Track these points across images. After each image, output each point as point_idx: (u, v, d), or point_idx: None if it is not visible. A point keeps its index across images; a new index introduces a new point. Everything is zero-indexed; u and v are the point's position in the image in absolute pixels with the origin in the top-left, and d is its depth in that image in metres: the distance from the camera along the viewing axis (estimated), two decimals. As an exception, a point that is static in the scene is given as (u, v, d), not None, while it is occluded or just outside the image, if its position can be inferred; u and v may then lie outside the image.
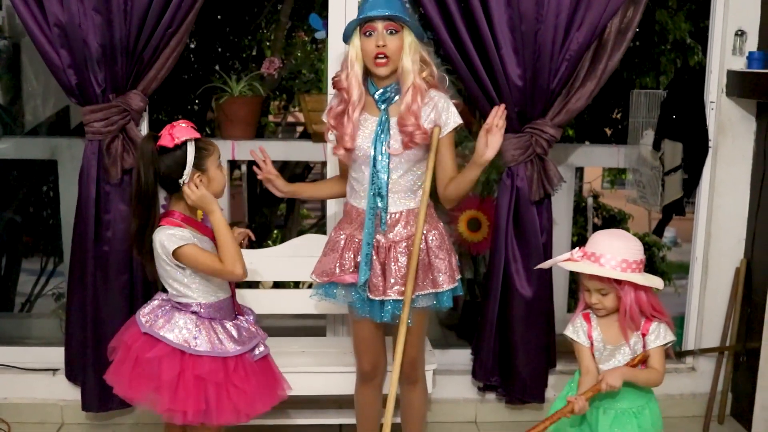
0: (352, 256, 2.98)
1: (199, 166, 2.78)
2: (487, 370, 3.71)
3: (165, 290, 2.91)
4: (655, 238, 7.12)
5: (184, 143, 2.75)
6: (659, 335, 2.74)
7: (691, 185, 3.88)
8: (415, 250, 2.90)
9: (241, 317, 2.97)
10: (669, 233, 12.30)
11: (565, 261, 2.75)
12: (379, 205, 2.92)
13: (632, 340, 2.74)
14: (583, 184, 9.05)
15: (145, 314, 2.85)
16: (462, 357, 3.89)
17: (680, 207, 3.94)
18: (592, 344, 2.78)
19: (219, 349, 2.79)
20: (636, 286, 2.66)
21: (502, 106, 2.87)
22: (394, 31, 2.82)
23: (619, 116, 7.03)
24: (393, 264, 2.92)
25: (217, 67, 5.88)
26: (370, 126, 2.94)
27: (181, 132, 2.77)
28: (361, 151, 2.94)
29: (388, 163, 2.90)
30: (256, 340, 2.91)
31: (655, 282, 2.70)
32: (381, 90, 2.92)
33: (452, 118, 2.93)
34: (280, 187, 3.11)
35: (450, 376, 3.85)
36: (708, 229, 3.89)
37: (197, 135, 2.79)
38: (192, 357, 2.76)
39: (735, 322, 3.86)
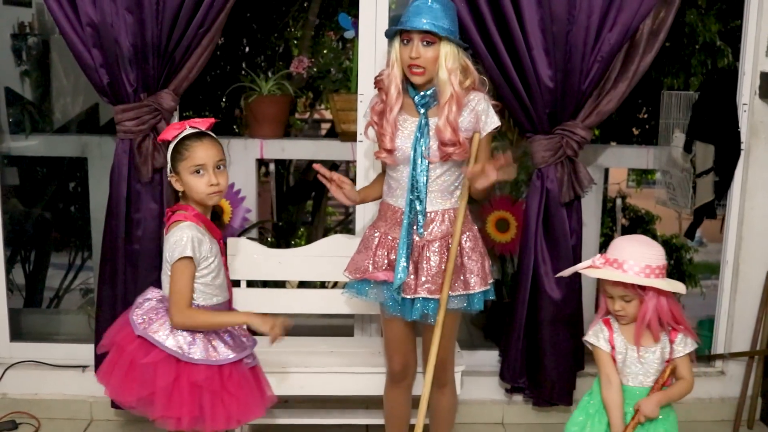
0: (386, 253, 2.98)
1: (173, 168, 2.79)
2: (515, 371, 3.70)
3: (160, 286, 2.90)
4: (683, 240, 7.06)
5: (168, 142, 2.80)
6: (686, 343, 2.73)
7: (722, 188, 3.85)
8: (453, 250, 2.89)
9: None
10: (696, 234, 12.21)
11: (586, 268, 2.72)
12: (418, 207, 2.92)
13: (659, 346, 2.72)
14: (609, 185, 8.99)
15: (139, 315, 2.81)
16: (489, 358, 3.89)
17: (711, 210, 3.91)
18: (613, 350, 2.76)
19: (213, 357, 2.76)
20: (659, 292, 2.64)
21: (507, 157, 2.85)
22: (429, 43, 2.81)
23: (646, 117, 6.98)
24: (425, 263, 2.92)
25: (243, 65, 5.89)
26: (410, 127, 2.93)
27: (167, 131, 2.82)
28: (401, 152, 2.93)
29: (428, 165, 2.90)
30: (249, 350, 2.88)
31: (678, 287, 2.67)
32: (420, 94, 2.90)
33: (490, 121, 2.93)
34: (350, 195, 3.04)
35: (477, 377, 3.85)
36: (739, 232, 3.86)
37: (170, 138, 2.78)
38: (187, 364, 2.74)
39: (766, 326, 3.83)
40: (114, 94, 3.45)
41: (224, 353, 2.78)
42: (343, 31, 4.17)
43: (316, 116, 9.47)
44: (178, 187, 2.78)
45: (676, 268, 7.24)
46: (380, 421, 3.35)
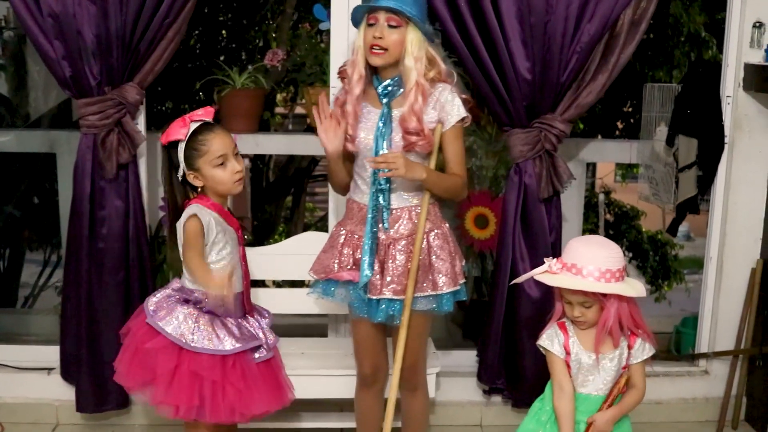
0: (351, 252, 2.89)
1: (190, 166, 2.74)
2: (493, 372, 3.61)
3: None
4: (668, 236, 6.99)
5: (176, 143, 2.73)
6: (644, 349, 2.63)
7: (705, 183, 3.77)
8: (417, 249, 2.80)
9: (250, 317, 2.90)
10: (682, 228, 12.18)
11: (543, 273, 2.60)
12: (381, 202, 2.82)
13: (617, 352, 2.60)
14: (596, 179, 8.94)
15: (153, 303, 2.81)
16: (467, 358, 3.80)
17: (694, 205, 3.84)
18: (568, 356, 2.63)
19: (217, 346, 2.72)
20: (620, 297, 2.52)
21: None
22: (394, 26, 2.72)
23: (631, 110, 6.92)
24: (391, 262, 2.83)
25: (222, 59, 5.78)
26: (373, 119, 2.84)
27: (172, 132, 2.75)
28: (363, 144, 2.84)
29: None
30: (257, 342, 2.83)
31: (639, 290, 2.55)
32: (383, 84, 2.81)
33: (455, 112, 2.82)
34: (330, 147, 2.86)
35: (455, 378, 3.77)
36: (723, 228, 3.78)
37: (182, 136, 2.72)
38: (189, 352, 2.71)
39: (750, 324, 3.76)
40: (77, 87, 3.35)
41: (228, 343, 2.74)
42: (319, 22, 4.08)
43: (301, 111, 9.38)
44: (198, 183, 2.74)
45: (662, 264, 7.18)
46: (355, 425, 3.25)
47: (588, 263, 2.50)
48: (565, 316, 2.65)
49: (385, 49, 2.73)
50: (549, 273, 2.58)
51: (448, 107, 2.81)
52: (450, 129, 2.83)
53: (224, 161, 2.73)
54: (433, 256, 2.84)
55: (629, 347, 2.62)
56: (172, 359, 2.72)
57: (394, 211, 2.84)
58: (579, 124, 6.90)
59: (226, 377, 2.73)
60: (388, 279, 2.81)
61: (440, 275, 2.83)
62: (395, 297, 2.81)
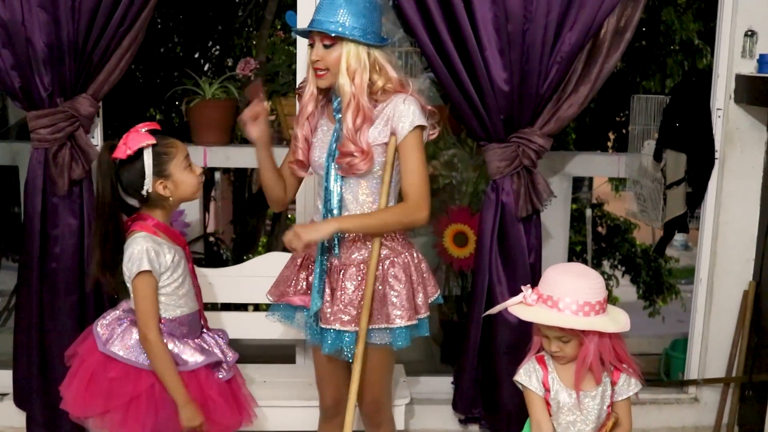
0: (306, 276, 2.73)
1: (160, 173, 2.61)
2: (469, 400, 3.47)
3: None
4: (658, 256, 6.84)
5: (140, 151, 2.57)
6: (629, 385, 2.45)
7: (695, 200, 3.65)
8: (369, 278, 2.60)
9: (206, 335, 2.80)
10: (680, 237, 12.04)
11: (517, 304, 2.41)
12: None
13: (600, 389, 2.42)
14: (593, 190, 8.82)
15: (103, 326, 2.72)
16: (443, 384, 3.65)
17: (683, 223, 3.70)
18: (548, 393, 2.45)
19: (182, 365, 2.65)
20: (601, 332, 2.34)
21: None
22: (329, 45, 2.55)
23: (623, 120, 6.78)
24: (339, 291, 2.64)
25: (189, 71, 5.66)
26: (328, 137, 2.65)
27: (134, 140, 2.59)
28: (316, 162, 2.67)
29: (342, 177, 2.62)
30: (217, 357, 2.73)
31: (622, 324, 2.36)
32: (337, 99, 2.63)
33: (408, 121, 2.59)
34: (255, 133, 2.67)
35: (430, 405, 3.62)
36: (713, 248, 3.64)
37: (152, 140, 2.59)
38: (150, 373, 2.63)
39: (742, 350, 3.63)
40: (27, 98, 3.21)
41: (191, 359, 2.67)
42: (291, 30, 3.93)
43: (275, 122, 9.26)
44: (167, 193, 2.63)
45: (655, 279, 7.03)
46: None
47: (565, 295, 2.32)
48: (543, 349, 2.47)
49: (327, 69, 2.57)
50: (524, 304, 2.40)
51: (400, 117, 2.59)
52: (403, 140, 2.61)
53: (190, 163, 2.67)
54: (387, 287, 2.64)
55: (613, 383, 2.44)
56: (131, 385, 2.63)
57: (347, 236, 2.65)
58: (571, 135, 6.77)
59: (203, 392, 2.67)
60: (335, 309, 2.64)
61: (394, 308, 2.63)
62: (342, 328, 2.62)
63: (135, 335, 2.65)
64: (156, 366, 2.59)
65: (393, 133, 2.60)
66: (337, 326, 2.62)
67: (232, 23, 6.46)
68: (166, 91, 5.17)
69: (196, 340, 2.73)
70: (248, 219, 6.57)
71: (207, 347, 2.74)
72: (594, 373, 2.39)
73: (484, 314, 3.01)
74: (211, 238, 4.34)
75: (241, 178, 7.03)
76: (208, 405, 2.66)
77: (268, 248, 7.10)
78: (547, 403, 2.45)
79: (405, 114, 2.58)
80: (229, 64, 6.81)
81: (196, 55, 6.78)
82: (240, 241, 6.47)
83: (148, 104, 6.39)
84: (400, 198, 2.67)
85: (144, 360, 2.62)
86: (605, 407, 2.43)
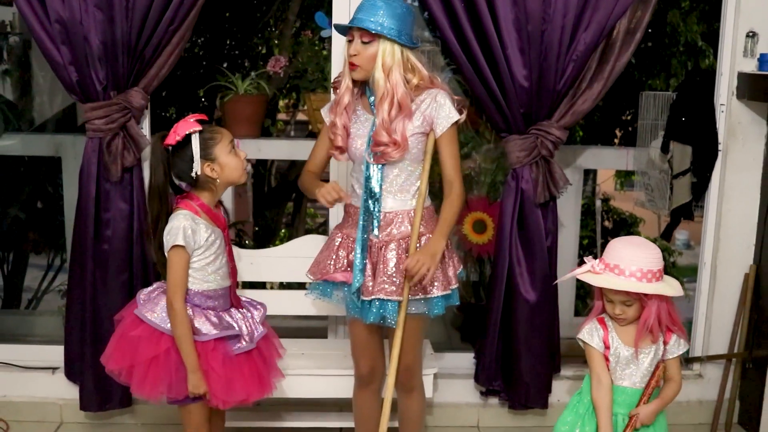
0: (345, 254, 2.95)
1: (207, 156, 2.81)
2: (490, 374, 3.67)
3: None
4: (664, 243, 7.02)
5: (188, 137, 2.79)
6: (679, 345, 2.75)
7: (700, 189, 3.81)
8: (411, 252, 2.84)
9: (234, 309, 2.97)
10: (682, 236, 12.20)
11: (585, 273, 2.70)
12: (372, 208, 2.89)
13: (654, 347, 2.72)
14: (596, 186, 8.97)
15: (144, 293, 2.94)
16: (465, 361, 3.85)
17: (689, 211, 3.88)
18: (607, 350, 2.73)
19: (196, 333, 2.81)
20: (660, 296, 2.63)
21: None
22: (367, 42, 2.80)
23: (629, 118, 6.96)
24: (382, 264, 2.87)
25: (225, 65, 5.85)
26: (367, 126, 2.90)
27: (182, 127, 2.80)
28: (357, 150, 2.90)
29: (382, 165, 2.86)
30: (233, 331, 2.89)
31: (678, 290, 2.67)
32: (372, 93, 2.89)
33: (445, 116, 2.86)
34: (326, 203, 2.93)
35: (452, 379, 3.81)
36: (717, 234, 3.83)
37: (198, 126, 2.80)
38: (170, 337, 2.81)
39: (743, 328, 3.80)
40: (83, 92, 3.41)
41: (205, 330, 2.83)
42: (321, 30, 4.14)
43: (304, 117, 9.45)
44: (214, 174, 2.83)
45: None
46: (353, 424, 3.30)
47: (630, 264, 2.62)
48: (604, 312, 2.76)
49: (358, 65, 2.82)
50: (592, 273, 2.68)
51: (438, 113, 2.86)
52: (442, 134, 2.88)
53: (234, 148, 2.86)
54: None
55: (665, 343, 2.73)
56: (153, 346, 2.82)
57: (387, 215, 2.89)
58: (578, 131, 6.95)
59: (208, 363, 2.82)
60: (380, 280, 2.85)
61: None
62: (387, 298, 2.85)
63: (163, 302, 2.84)
64: (175, 332, 2.78)
65: (431, 127, 2.86)
66: (382, 296, 2.84)
67: (256, 24, 6.67)
68: (200, 86, 5.39)
69: (221, 313, 2.90)
70: (266, 213, 6.77)
71: (227, 322, 2.89)
72: (653, 334, 2.68)
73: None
74: (239, 226, 4.55)
75: (260, 172, 7.23)
76: (210, 376, 2.82)
77: (289, 238, 7.30)
78: (606, 359, 2.73)
79: (442, 109, 2.84)
80: (246, 64, 7.03)
81: (236, 52, 6.96)
82: (261, 233, 6.66)
83: (187, 100, 6.58)
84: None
85: (166, 325, 2.81)
86: (656, 362, 2.72)
